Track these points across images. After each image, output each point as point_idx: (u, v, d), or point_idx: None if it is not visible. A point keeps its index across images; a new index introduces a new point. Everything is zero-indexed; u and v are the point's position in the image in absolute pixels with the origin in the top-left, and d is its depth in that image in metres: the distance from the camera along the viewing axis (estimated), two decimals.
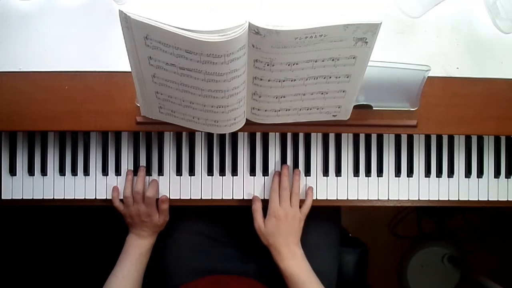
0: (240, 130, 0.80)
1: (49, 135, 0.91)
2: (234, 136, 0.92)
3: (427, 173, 0.93)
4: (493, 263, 1.73)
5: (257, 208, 0.88)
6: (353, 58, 0.68)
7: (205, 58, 0.63)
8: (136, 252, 0.86)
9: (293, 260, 0.84)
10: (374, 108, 0.84)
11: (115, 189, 0.89)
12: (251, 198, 0.91)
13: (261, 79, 0.71)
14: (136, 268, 0.86)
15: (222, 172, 0.92)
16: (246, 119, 0.80)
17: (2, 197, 0.90)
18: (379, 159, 0.93)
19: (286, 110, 0.78)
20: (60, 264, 1.55)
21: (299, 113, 0.79)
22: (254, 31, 0.62)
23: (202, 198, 0.92)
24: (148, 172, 0.90)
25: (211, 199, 0.92)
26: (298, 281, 0.83)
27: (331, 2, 0.86)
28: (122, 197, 0.88)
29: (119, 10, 0.60)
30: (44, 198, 0.91)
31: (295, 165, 0.92)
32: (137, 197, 0.86)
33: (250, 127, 0.81)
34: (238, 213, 1.02)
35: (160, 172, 0.91)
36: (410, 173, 0.93)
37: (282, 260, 0.84)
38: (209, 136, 0.91)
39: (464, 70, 0.86)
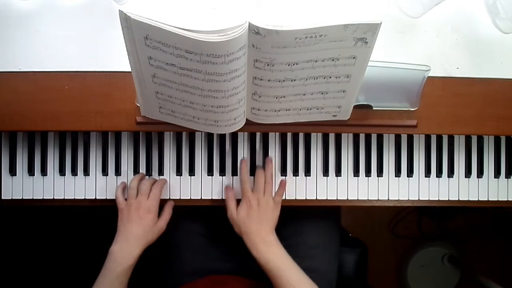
0: (240, 130, 0.80)
1: (49, 135, 0.91)
2: (234, 136, 0.92)
3: (427, 173, 0.93)
4: (493, 263, 1.73)
5: (230, 196, 0.87)
6: (353, 58, 0.68)
7: (205, 58, 0.63)
8: (116, 269, 0.80)
9: (267, 247, 0.82)
10: (374, 108, 0.84)
11: (122, 182, 0.89)
12: None
13: (261, 79, 0.71)
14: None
15: (222, 172, 0.92)
16: (246, 119, 0.80)
17: (2, 197, 0.90)
18: (379, 159, 0.93)
19: (286, 110, 0.78)
20: (59, 264, 1.55)
21: (299, 113, 0.79)
22: (254, 31, 0.62)
23: (202, 198, 0.92)
24: (148, 172, 0.91)
25: (211, 199, 0.92)
26: (272, 268, 0.80)
27: (331, 2, 0.86)
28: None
29: (119, 10, 0.60)
30: (44, 198, 0.91)
31: (295, 165, 0.92)
32: (142, 188, 0.84)
33: (250, 127, 0.81)
34: None
35: (160, 172, 0.91)
36: (410, 173, 0.93)
37: (255, 248, 0.82)
38: (209, 136, 0.91)
39: (464, 70, 0.86)
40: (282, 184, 0.90)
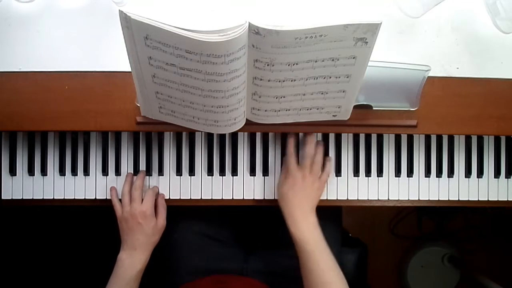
0: (240, 130, 0.80)
1: (49, 135, 0.91)
2: (234, 136, 0.92)
3: (427, 173, 0.93)
4: (493, 263, 1.73)
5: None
6: (353, 58, 0.68)
7: (205, 58, 0.63)
8: (126, 276, 0.81)
9: (306, 225, 0.80)
10: (374, 108, 0.84)
11: (113, 188, 0.88)
12: (250, 198, 0.91)
13: (261, 79, 0.71)
14: None
15: (222, 172, 0.92)
16: (246, 119, 0.80)
17: (2, 197, 0.90)
18: (379, 159, 0.93)
19: (286, 110, 0.78)
20: (59, 264, 1.55)
21: (299, 113, 0.79)
22: (254, 31, 0.62)
23: (202, 198, 0.92)
24: (148, 172, 0.91)
25: (211, 199, 0.92)
26: (306, 247, 0.79)
27: (331, 2, 0.86)
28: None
29: (119, 10, 0.60)
30: (44, 198, 0.91)
31: None
32: (135, 194, 0.84)
33: (250, 127, 0.81)
34: (238, 213, 1.03)
35: (160, 172, 0.91)
36: (410, 173, 0.93)
37: (294, 222, 0.80)
38: (209, 136, 0.91)
39: (464, 70, 0.86)
40: (328, 162, 0.88)
